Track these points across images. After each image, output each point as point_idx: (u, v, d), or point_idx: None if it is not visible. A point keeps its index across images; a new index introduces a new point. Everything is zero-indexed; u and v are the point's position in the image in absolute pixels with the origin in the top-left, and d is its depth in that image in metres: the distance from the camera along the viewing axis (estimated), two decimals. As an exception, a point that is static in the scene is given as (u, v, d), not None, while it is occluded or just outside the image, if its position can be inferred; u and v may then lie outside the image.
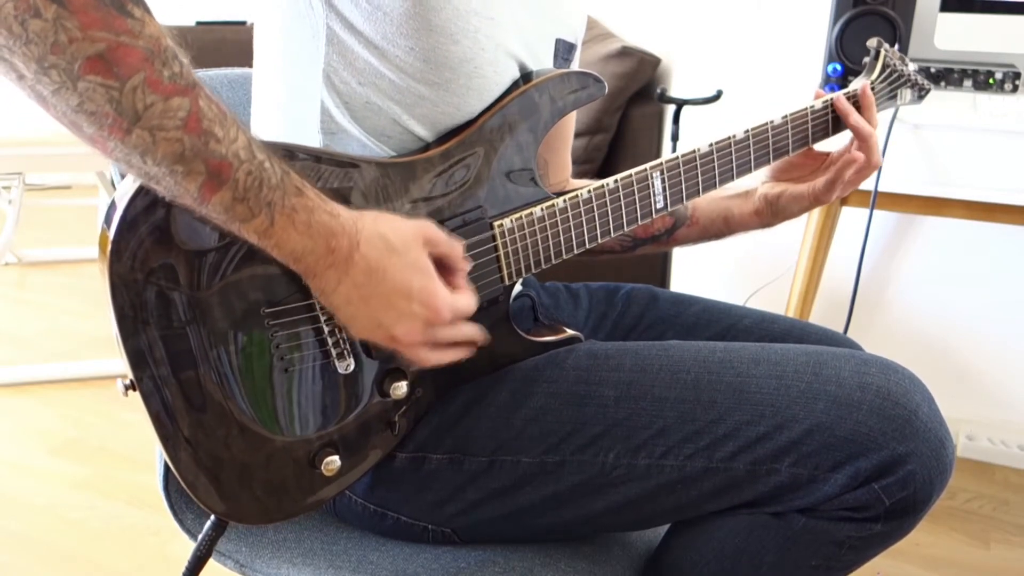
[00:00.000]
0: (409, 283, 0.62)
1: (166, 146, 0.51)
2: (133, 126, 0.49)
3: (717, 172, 0.83)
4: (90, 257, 2.89)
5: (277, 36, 0.71)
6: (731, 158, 0.83)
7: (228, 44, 2.28)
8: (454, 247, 0.67)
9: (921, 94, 0.98)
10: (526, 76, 0.76)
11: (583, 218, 0.76)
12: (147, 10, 0.50)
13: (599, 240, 0.78)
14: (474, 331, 0.69)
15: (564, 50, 0.83)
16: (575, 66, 0.86)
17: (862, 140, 0.88)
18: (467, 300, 0.67)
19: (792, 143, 0.87)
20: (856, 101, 0.89)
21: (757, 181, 0.94)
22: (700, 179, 0.82)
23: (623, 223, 0.79)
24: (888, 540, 0.68)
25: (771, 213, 0.93)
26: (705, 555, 0.71)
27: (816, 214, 1.61)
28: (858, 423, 0.64)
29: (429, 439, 0.73)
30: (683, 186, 0.81)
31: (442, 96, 0.70)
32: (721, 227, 0.97)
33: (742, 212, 0.95)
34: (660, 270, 2.00)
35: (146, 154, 0.51)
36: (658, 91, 1.71)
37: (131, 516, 1.57)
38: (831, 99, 0.88)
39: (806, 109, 0.87)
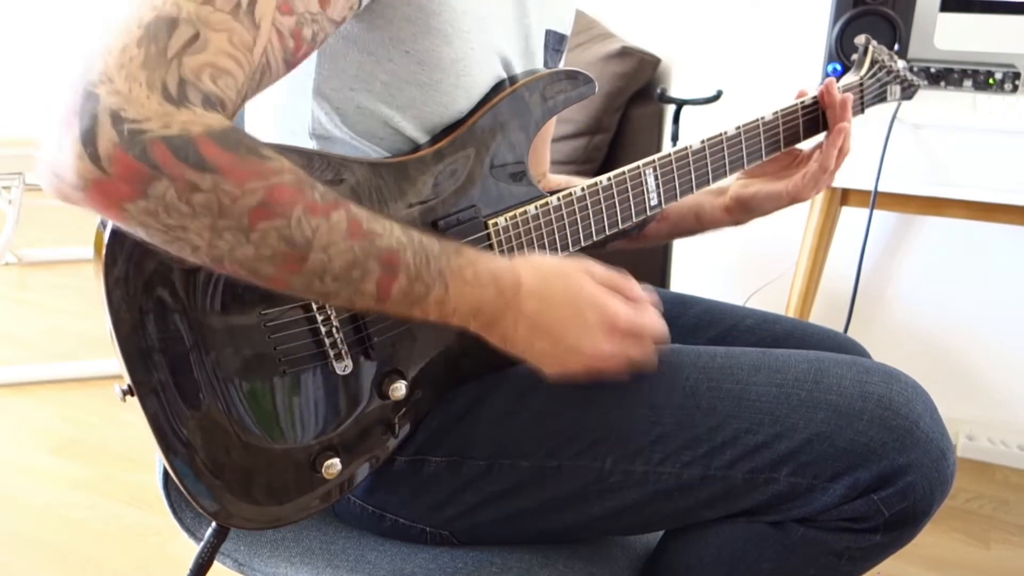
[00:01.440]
0: (576, 293, 0.64)
1: (340, 258, 0.54)
2: (308, 253, 0.52)
3: (710, 168, 0.83)
4: (90, 257, 2.88)
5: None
6: (723, 154, 0.83)
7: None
8: (615, 278, 0.67)
9: (910, 90, 0.98)
10: (512, 78, 0.75)
11: (577, 216, 0.76)
12: (273, 148, 0.52)
13: (594, 237, 0.77)
14: (655, 319, 0.68)
15: (555, 41, 0.82)
16: (566, 57, 0.86)
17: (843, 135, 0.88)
18: (631, 286, 0.67)
19: (784, 139, 0.87)
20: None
21: (731, 178, 0.93)
22: (693, 175, 0.82)
23: (617, 220, 0.79)
24: (887, 551, 0.67)
25: (743, 211, 0.92)
26: (702, 561, 0.71)
27: (816, 214, 1.60)
28: (858, 433, 0.64)
29: (428, 441, 0.73)
30: (676, 183, 0.81)
31: (431, 96, 0.69)
32: (692, 223, 0.96)
33: (713, 208, 0.93)
34: (660, 270, 2.00)
35: (325, 273, 0.54)
36: (658, 91, 1.71)
37: (131, 516, 1.57)
38: (821, 92, 0.87)
39: (796, 104, 0.87)
